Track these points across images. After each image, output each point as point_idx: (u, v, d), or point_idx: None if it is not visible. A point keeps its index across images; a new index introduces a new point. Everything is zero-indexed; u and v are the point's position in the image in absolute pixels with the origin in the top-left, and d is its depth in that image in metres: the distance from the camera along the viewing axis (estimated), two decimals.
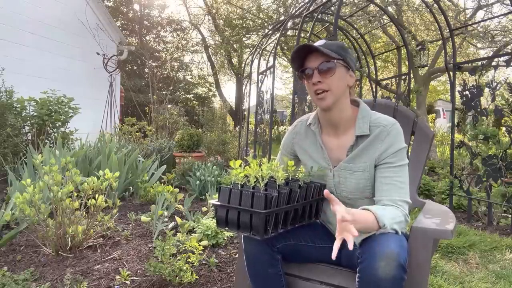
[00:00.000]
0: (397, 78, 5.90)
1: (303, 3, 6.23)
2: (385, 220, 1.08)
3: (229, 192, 1.14)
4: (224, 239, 2.49)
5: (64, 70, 6.18)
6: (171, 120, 7.34)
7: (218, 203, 1.16)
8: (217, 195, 1.20)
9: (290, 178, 1.25)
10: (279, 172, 1.16)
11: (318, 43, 1.24)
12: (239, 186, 1.15)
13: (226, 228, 1.17)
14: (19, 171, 3.48)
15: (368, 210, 1.08)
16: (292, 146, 1.44)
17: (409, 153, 1.68)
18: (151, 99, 7.86)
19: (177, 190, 3.01)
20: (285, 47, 12.77)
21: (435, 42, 8.07)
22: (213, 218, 2.77)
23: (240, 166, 1.15)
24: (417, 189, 1.66)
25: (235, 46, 13.98)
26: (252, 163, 1.14)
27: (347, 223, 0.95)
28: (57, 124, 4.42)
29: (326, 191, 1.07)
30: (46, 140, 4.23)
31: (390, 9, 6.95)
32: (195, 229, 2.58)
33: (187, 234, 2.48)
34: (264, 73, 6.04)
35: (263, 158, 1.20)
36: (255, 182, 1.13)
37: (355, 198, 1.28)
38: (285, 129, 14.74)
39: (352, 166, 1.26)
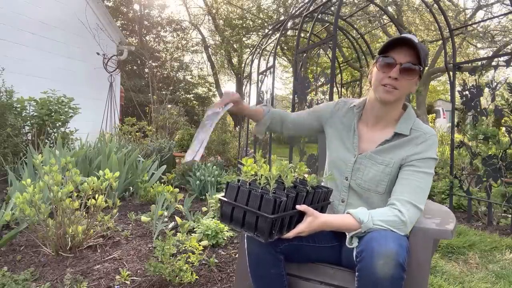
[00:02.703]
0: None
1: (303, 3, 6.23)
2: (361, 216, 1.12)
3: (237, 190, 1.12)
4: (224, 239, 2.49)
5: (64, 70, 6.18)
6: (171, 120, 7.34)
7: (225, 199, 1.14)
8: (224, 191, 1.17)
9: (298, 180, 1.24)
10: (288, 174, 1.14)
11: (414, 38, 1.21)
12: (247, 184, 1.13)
13: (230, 225, 1.15)
14: (19, 171, 3.47)
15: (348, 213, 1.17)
16: (328, 117, 1.44)
17: None
18: (151, 99, 7.85)
19: (177, 190, 3.01)
20: (285, 47, 12.78)
21: (435, 42, 8.08)
22: (213, 218, 2.77)
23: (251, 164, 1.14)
24: None
25: (235, 46, 13.99)
26: (260, 161, 1.13)
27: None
28: (57, 124, 4.42)
29: (300, 206, 1.12)
30: (46, 140, 4.23)
31: (390, 9, 6.95)
32: (195, 229, 2.58)
33: (187, 234, 2.48)
34: (264, 73, 6.04)
35: (272, 156, 1.19)
36: (265, 183, 1.11)
37: (367, 188, 1.29)
38: None
39: (377, 157, 1.27)
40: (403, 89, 1.22)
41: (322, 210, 1.27)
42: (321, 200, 1.25)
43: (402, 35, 1.21)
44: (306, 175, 1.26)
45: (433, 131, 1.27)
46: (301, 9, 5.37)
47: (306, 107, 4.20)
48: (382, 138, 1.30)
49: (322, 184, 1.36)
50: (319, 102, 4.26)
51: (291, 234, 1.12)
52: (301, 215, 1.15)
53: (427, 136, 1.24)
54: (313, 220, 1.13)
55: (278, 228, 1.09)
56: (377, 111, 1.31)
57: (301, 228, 1.12)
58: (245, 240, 1.28)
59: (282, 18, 10.27)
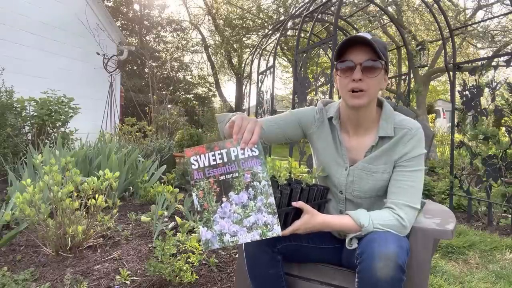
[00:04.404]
0: (397, 78, 5.90)
1: (303, 3, 6.23)
2: (362, 219, 1.11)
3: None
4: None
5: (64, 70, 6.18)
6: (171, 120, 7.33)
7: None
8: None
9: (293, 179, 1.24)
10: (281, 172, 1.13)
11: (366, 35, 1.15)
12: None
13: None
14: (19, 171, 3.47)
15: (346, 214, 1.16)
16: (315, 127, 1.35)
17: None
18: (151, 99, 7.85)
19: (177, 190, 3.00)
20: (285, 47, 12.80)
21: (435, 42, 8.08)
22: None
23: None
24: None
25: (235, 46, 14.00)
26: None
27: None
28: (57, 124, 4.42)
29: (296, 203, 1.10)
30: (46, 140, 4.23)
31: (390, 9, 6.95)
32: (195, 229, 2.58)
33: (187, 234, 2.48)
34: (264, 73, 6.04)
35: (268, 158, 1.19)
36: None
37: (369, 196, 1.26)
38: None
39: (371, 167, 1.23)
40: (371, 89, 1.16)
41: (320, 208, 1.26)
42: (317, 198, 1.25)
43: (353, 35, 1.17)
44: (304, 175, 1.26)
45: (418, 124, 1.23)
46: (301, 9, 5.37)
47: (306, 107, 4.20)
48: (367, 143, 1.25)
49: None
50: None
51: (286, 231, 1.10)
52: (297, 213, 1.14)
53: (413, 132, 1.20)
54: (310, 218, 1.11)
55: None
56: (353, 119, 1.26)
57: (297, 225, 1.10)
58: None
59: (282, 18, 10.28)
